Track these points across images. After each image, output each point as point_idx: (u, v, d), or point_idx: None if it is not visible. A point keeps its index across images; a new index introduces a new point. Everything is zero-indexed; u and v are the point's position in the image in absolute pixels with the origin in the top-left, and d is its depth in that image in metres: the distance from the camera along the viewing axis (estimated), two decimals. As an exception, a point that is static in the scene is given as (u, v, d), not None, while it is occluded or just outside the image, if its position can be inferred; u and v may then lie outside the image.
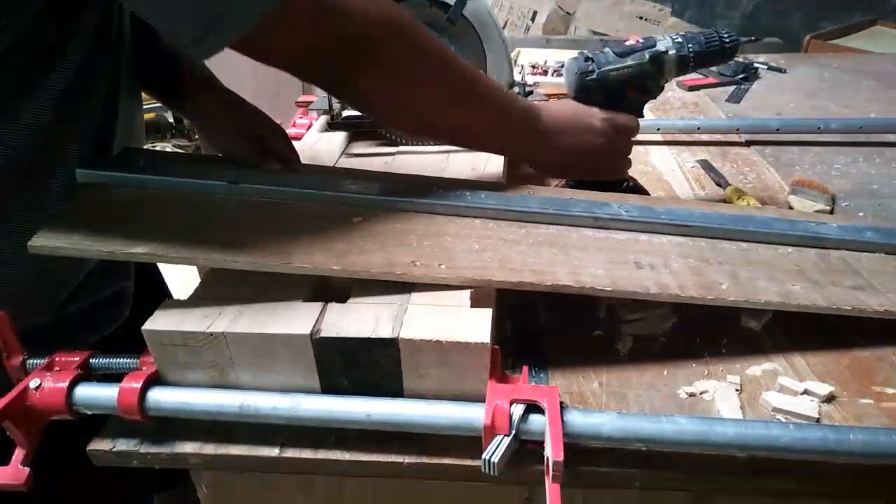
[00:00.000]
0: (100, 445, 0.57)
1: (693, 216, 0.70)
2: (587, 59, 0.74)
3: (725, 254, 0.67)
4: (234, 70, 0.82)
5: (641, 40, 0.75)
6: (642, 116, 0.80)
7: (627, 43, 0.75)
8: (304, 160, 0.88)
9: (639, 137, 1.15)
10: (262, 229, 0.61)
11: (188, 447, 0.57)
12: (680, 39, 0.73)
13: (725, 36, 0.73)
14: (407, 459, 0.55)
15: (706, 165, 1.05)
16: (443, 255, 0.60)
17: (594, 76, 0.73)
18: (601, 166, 0.78)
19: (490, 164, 0.86)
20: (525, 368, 0.56)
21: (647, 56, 0.73)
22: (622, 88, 0.75)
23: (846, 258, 0.70)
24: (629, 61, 0.73)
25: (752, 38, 0.82)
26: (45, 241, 0.57)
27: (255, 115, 0.77)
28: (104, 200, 0.64)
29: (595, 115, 0.74)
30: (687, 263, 0.63)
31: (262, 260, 0.56)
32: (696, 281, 0.61)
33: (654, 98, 0.78)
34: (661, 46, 0.73)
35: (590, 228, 0.68)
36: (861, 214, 0.91)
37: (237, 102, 0.78)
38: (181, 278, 1.19)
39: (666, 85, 0.80)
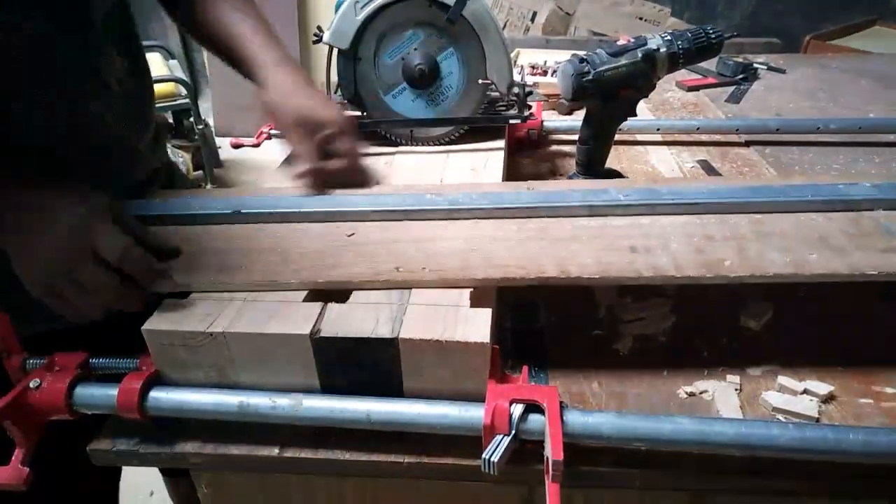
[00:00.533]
0: (100, 445, 0.57)
1: (701, 192, 0.68)
2: (581, 60, 0.74)
3: (736, 228, 0.64)
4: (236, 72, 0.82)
5: (632, 40, 0.75)
6: (635, 115, 0.80)
7: (619, 43, 0.75)
8: (303, 160, 0.89)
9: (638, 137, 1.17)
10: (260, 250, 0.63)
11: (188, 447, 0.57)
12: (669, 37, 0.74)
13: (711, 32, 0.75)
14: (407, 459, 0.55)
15: (706, 166, 1.05)
16: (429, 258, 0.60)
17: (590, 77, 0.73)
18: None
19: (490, 162, 0.86)
20: (525, 368, 0.56)
21: (640, 55, 0.73)
22: (617, 87, 0.75)
23: (881, 220, 0.65)
24: (623, 60, 0.74)
25: (735, 34, 0.82)
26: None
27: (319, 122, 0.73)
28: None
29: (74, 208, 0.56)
30: (690, 242, 0.62)
31: (253, 280, 0.58)
32: (696, 260, 0.59)
33: (646, 96, 0.79)
34: (652, 45, 0.74)
35: (586, 217, 0.67)
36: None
37: (300, 97, 0.73)
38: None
39: (660, 84, 0.80)
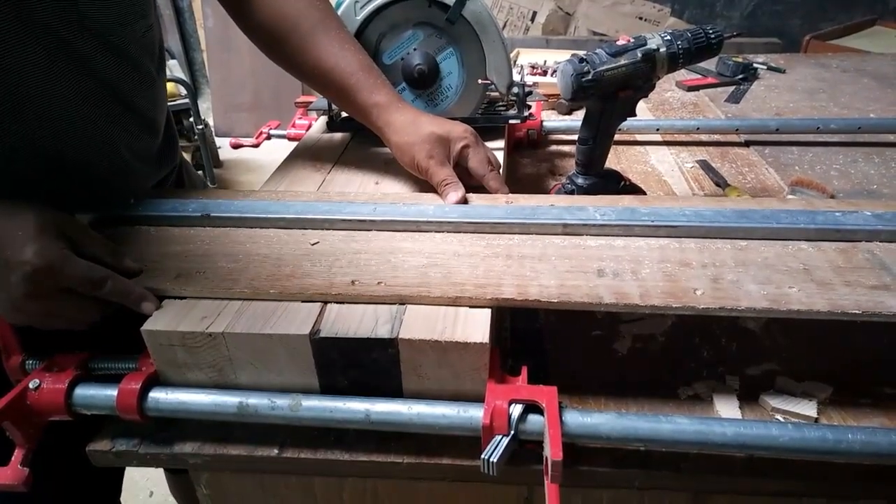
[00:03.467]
0: (99, 446, 0.57)
1: (683, 215, 0.65)
2: (581, 60, 0.74)
3: (716, 255, 0.61)
4: (236, 72, 0.82)
5: (632, 40, 0.75)
6: (635, 115, 0.80)
7: (619, 43, 0.75)
8: (303, 161, 0.89)
9: (638, 137, 1.17)
10: (222, 255, 0.62)
11: (188, 447, 0.57)
12: (669, 37, 0.74)
13: (711, 32, 0.74)
14: (406, 459, 0.55)
15: (705, 166, 1.05)
16: (386, 272, 0.59)
17: (590, 77, 0.73)
18: None
19: (489, 164, 0.86)
20: (524, 368, 0.56)
21: (640, 55, 0.73)
22: (617, 87, 0.75)
23: (877, 252, 0.61)
24: (622, 60, 0.73)
25: (736, 34, 0.82)
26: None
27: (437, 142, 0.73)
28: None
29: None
30: (662, 268, 0.59)
31: (207, 288, 0.58)
32: (665, 288, 0.55)
33: (646, 96, 0.78)
34: (651, 45, 0.74)
35: (559, 236, 0.65)
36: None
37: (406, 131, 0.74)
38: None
39: (660, 84, 0.79)
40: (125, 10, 0.65)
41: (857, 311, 0.53)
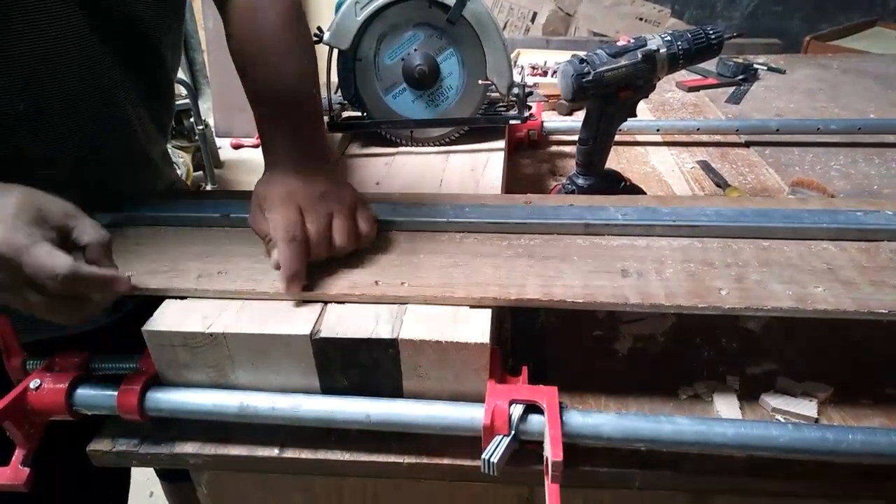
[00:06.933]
0: (100, 446, 0.57)
1: (704, 215, 0.65)
2: (581, 61, 0.74)
3: (739, 255, 0.61)
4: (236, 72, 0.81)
5: (633, 40, 0.75)
6: (635, 115, 0.80)
7: (619, 43, 0.75)
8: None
9: (638, 138, 1.17)
10: (243, 256, 0.62)
11: (188, 447, 0.57)
12: (669, 38, 0.74)
13: (711, 32, 0.74)
14: (407, 459, 0.55)
15: (705, 166, 1.05)
16: (410, 273, 0.59)
17: (590, 77, 0.73)
18: None
19: (490, 162, 0.86)
20: (525, 368, 0.56)
21: (640, 55, 0.73)
22: (617, 88, 0.75)
23: None
24: (623, 61, 0.73)
25: (736, 34, 0.82)
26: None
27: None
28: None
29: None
30: (685, 268, 0.59)
31: (230, 288, 0.57)
32: (690, 287, 0.56)
33: (646, 97, 0.79)
34: (652, 45, 0.74)
35: (581, 236, 0.65)
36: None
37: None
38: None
39: (660, 84, 0.80)
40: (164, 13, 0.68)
41: (884, 311, 0.52)
